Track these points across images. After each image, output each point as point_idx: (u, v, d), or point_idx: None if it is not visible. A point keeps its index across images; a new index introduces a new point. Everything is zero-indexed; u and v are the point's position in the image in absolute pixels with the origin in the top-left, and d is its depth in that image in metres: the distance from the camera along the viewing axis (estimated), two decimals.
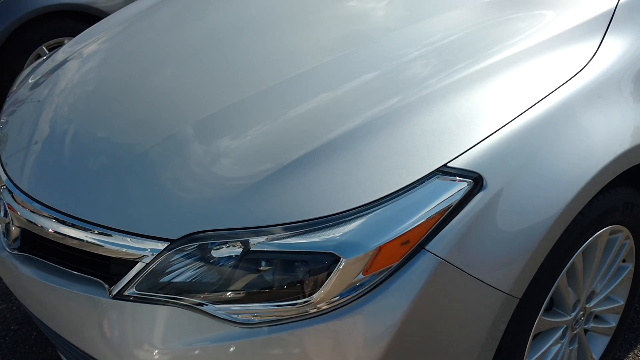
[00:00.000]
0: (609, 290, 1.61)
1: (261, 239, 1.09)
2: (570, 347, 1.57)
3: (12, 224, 1.43)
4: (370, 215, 1.08)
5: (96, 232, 1.21)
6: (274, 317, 1.10)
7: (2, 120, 1.76)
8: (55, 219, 1.27)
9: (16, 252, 1.43)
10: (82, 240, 1.22)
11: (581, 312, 1.53)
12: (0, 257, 1.48)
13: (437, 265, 1.09)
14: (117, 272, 1.23)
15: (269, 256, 1.09)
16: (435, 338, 1.15)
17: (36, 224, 1.32)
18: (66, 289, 1.27)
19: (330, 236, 1.06)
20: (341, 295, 1.08)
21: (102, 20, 2.39)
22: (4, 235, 1.49)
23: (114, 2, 3.49)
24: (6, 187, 1.46)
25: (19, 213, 1.37)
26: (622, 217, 1.45)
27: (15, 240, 1.44)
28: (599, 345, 1.71)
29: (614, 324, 1.70)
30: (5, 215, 1.46)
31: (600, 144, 1.25)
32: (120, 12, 2.36)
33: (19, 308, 2.29)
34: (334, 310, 1.08)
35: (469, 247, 1.11)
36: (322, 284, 1.07)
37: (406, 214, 1.08)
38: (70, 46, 2.14)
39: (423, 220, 1.09)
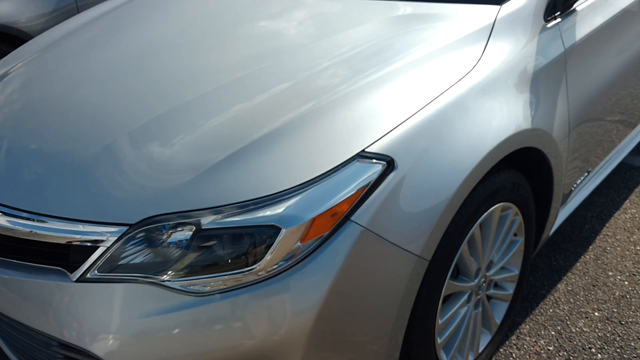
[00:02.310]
0: (504, 260, 1.89)
1: (211, 218, 1.27)
2: (476, 311, 1.83)
3: None
4: (304, 193, 1.29)
5: (60, 223, 1.33)
6: (224, 286, 1.27)
7: None
8: (17, 216, 1.39)
9: None
10: (48, 233, 1.34)
11: (482, 280, 1.80)
12: None
13: (360, 233, 1.31)
14: (76, 260, 1.36)
15: (219, 232, 1.27)
16: (359, 299, 1.35)
17: None
18: (28, 279, 1.38)
19: (271, 211, 1.26)
20: (279, 265, 1.27)
21: (27, 43, 2.48)
22: None
23: (34, 22, 3.53)
24: None
25: None
26: (511, 196, 1.74)
27: None
28: (499, 311, 1.98)
29: (511, 291, 1.98)
30: None
31: (486, 132, 1.53)
32: (45, 35, 2.46)
33: None
34: (273, 277, 1.27)
35: (385, 217, 1.34)
36: (265, 254, 1.25)
37: (334, 191, 1.30)
38: None
39: (348, 195, 1.31)
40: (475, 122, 1.51)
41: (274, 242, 1.25)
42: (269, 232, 1.25)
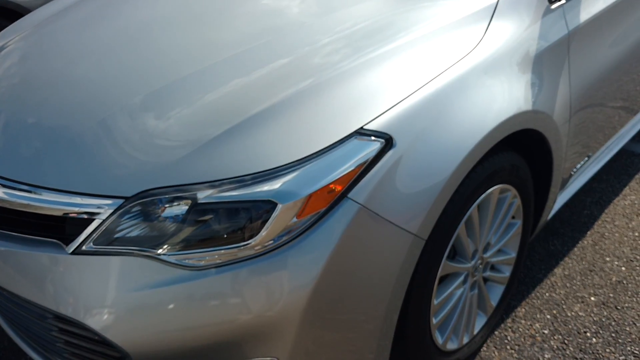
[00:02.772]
0: (501, 243, 1.89)
1: (207, 192, 1.26)
2: (471, 293, 1.83)
3: None
4: (301, 169, 1.28)
5: (56, 195, 1.33)
6: (219, 261, 1.27)
7: None
8: (15, 188, 1.39)
9: None
10: (44, 205, 1.34)
11: (479, 261, 1.80)
12: None
13: (357, 210, 1.31)
14: (71, 233, 1.36)
15: (215, 207, 1.26)
16: (354, 277, 1.35)
17: None
18: (24, 251, 1.38)
19: (268, 187, 1.25)
20: (274, 240, 1.26)
21: (24, 17, 2.46)
22: None
23: None
24: None
25: None
26: (510, 177, 1.73)
27: None
28: (495, 293, 1.98)
29: (507, 274, 1.99)
30: None
31: (487, 112, 1.52)
32: (43, 9, 2.44)
33: None
34: (269, 252, 1.26)
35: (382, 196, 1.34)
36: (261, 229, 1.25)
37: (331, 168, 1.29)
38: None
39: (345, 172, 1.30)
40: (475, 102, 1.49)
41: (270, 218, 1.25)
42: (265, 207, 1.25)
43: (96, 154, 1.38)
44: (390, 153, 1.35)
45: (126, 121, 1.44)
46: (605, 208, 2.73)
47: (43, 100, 1.62)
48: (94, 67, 1.71)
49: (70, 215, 1.32)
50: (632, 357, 1.93)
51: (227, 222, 1.27)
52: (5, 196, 1.40)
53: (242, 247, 1.26)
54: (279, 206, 1.24)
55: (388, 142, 1.35)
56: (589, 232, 2.56)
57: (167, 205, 1.28)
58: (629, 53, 2.24)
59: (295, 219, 1.26)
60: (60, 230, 1.38)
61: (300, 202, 1.25)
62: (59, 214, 1.33)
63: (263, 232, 1.25)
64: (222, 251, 1.26)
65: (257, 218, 1.25)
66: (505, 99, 1.58)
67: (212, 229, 1.27)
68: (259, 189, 1.25)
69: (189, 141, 1.35)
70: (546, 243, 2.50)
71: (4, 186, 1.42)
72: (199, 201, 1.26)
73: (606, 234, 2.55)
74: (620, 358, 1.93)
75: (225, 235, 1.27)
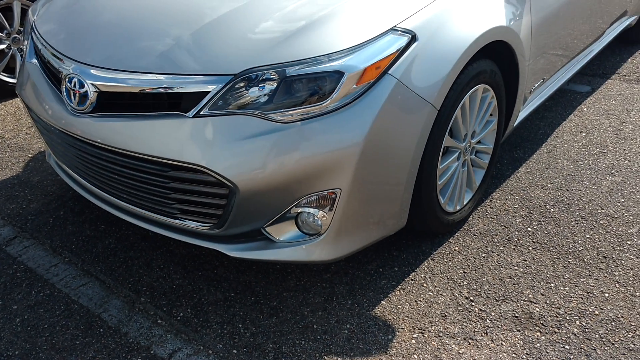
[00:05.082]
0: (483, 134, 2.51)
1: (294, 67, 1.82)
2: (463, 169, 2.45)
3: (90, 93, 2.01)
4: (357, 52, 1.85)
5: (180, 79, 1.86)
6: (304, 116, 1.82)
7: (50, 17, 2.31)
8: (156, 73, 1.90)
9: (88, 114, 2.02)
10: (177, 86, 1.86)
11: (468, 144, 2.41)
12: (71, 120, 2.06)
13: (395, 84, 1.89)
14: (187, 107, 1.88)
15: (300, 77, 1.82)
16: (390, 136, 1.92)
17: (121, 85, 1.94)
18: (153, 120, 1.90)
19: (338, 62, 1.81)
20: (341, 101, 1.83)
21: None
22: (75, 104, 2.06)
23: None
24: (79, 65, 2.04)
25: (102, 83, 1.97)
26: (490, 80, 2.34)
27: (90, 105, 2.03)
28: (478, 175, 2.61)
29: (486, 161, 2.61)
30: (82, 87, 2.03)
31: (480, 20, 2.12)
32: None
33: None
34: (337, 110, 1.83)
35: (410, 75, 1.92)
36: (332, 93, 1.81)
37: (376, 52, 1.87)
38: None
39: (386, 56, 1.87)
40: (470, 14, 2.10)
41: (339, 84, 1.81)
42: (335, 77, 1.81)
43: (210, 44, 1.91)
44: (414, 45, 1.94)
45: (231, 21, 1.97)
46: (556, 128, 3.40)
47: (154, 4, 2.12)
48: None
49: (194, 91, 1.84)
50: (580, 218, 2.59)
51: (307, 88, 1.82)
52: (138, 83, 1.91)
53: (319, 105, 1.81)
54: (346, 74, 1.81)
55: (413, 37, 1.94)
56: (544, 145, 3.22)
57: (265, 78, 1.83)
58: None
59: (354, 86, 1.83)
60: (177, 106, 1.90)
61: (359, 72, 1.82)
62: (189, 90, 1.84)
63: (334, 95, 1.81)
64: (305, 109, 1.82)
65: (330, 84, 1.81)
66: (489, 14, 2.19)
67: (297, 94, 1.82)
68: (331, 64, 1.81)
69: (279, 32, 1.89)
70: (511, 153, 3.14)
71: (146, 73, 1.91)
72: (288, 75, 1.82)
73: (557, 145, 3.22)
74: (571, 219, 2.59)
75: (307, 98, 1.82)
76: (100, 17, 2.23)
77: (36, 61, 2.40)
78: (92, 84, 2.00)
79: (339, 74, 1.81)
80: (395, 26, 1.93)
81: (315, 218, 1.95)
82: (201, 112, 1.85)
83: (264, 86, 1.83)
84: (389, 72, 1.88)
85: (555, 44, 2.89)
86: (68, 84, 2.07)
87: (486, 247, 2.42)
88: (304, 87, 1.82)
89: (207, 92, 1.85)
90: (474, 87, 2.25)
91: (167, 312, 2.12)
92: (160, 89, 1.89)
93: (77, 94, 2.06)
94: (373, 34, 1.90)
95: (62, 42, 2.21)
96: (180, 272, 2.32)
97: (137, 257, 2.41)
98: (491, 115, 2.53)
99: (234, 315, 2.11)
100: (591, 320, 2.05)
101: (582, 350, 1.93)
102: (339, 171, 1.86)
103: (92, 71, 2.01)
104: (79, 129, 2.08)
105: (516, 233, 2.50)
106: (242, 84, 1.83)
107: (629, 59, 4.45)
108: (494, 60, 2.37)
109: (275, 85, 1.82)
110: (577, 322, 2.05)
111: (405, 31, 1.94)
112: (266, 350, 1.95)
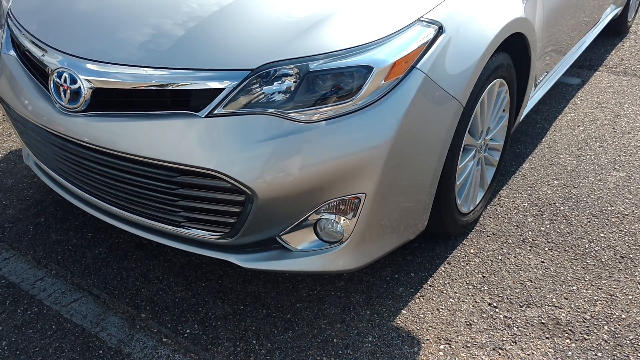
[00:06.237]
0: (495, 131, 2.40)
1: (318, 62, 1.66)
2: (477, 167, 2.33)
3: (83, 89, 1.80)
4: (385, 44, 1.70)
5: (190, 74, 1.67)
6: (328, 115, 1.66)
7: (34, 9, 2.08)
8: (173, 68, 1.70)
9: (81, 113, 1.81)
10: (189, 81, 1.67)
11: (483, 141, 2.30)
12: (60, 119, 1.84)
13: (423, 79, 1.75)
14: (199, 104, 1.70)
15: (324, 73, 1.66)
16: (417, 135, 1.79)
17: (121, 81, 1.73)
18: (162, 120, 1.70)
19: (365, 55, 1.66)
20: (370, 98, 1.67)
21: None
22: (65, 102, 1.85)
23: None
24: (69, 58, 1.82)
25: (98, 78, 1.76)
26: (506, 73, 2.23)
27: (83, 102, 1.82)
28: (489, 173, 2.50)
29: (497, 158, 2.51)
30: (74, 82, 1.82)
31: (499, 14, 2.00)
32: None
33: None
34: (364, 108, 1.68)
35: (438, 69, 1.78)
36: (360, 89, 1.66)
37: (405, 45, 1.72)
38: None
39: (414, 48, 1.73)
40: (494, 4, 1.97)
41: (367, 79, 1.66)
42: (363, 72, 1.66)
43: (226, 36, 1.72)
44: (442, 37, 1.80)
45: (247, 9, 1.78)
46: (553, 122, 3.34)
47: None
48: None
49: (207, 87, 1.66)
50: (591, 216, 2.51)
51: (332, 85, 1.66)
52: (140, 79, 1.71)
53: (346, 103, 1.66)
54: (375, 69, 1.66)
55: (440, 28, 1.80)
56: (543, 139, 3.15)
57: (285, 73, 1.66)
58: None
59: (383, 82, 1.68)
60: (186, 104, 1.71)
61: (388, 67, 1.67)
62: (201, 87, 1.66)
63: (362, 92, 1.66)
64: (329, 107, 1.66)
65: (358, 80, 1.66)
66: (509, 6, 2.07)
67: (321, 92, 1.66)
68: (358, 58, 1.66)
69: (299, 24, 1.72)
70: (512, 148, 3.06)
71: (157, 67, 1.71)
72: (311, 69, 1.65)
73: (557, 139, 3.15)
74: (583, 217, 2.51)
75: (332, 96, 1.66)
76: (92, 1, 2.01)
77: (14, 53, 2.16)
78: (86, 80, 1.79)
79: (367, 69, 1.66)
80: (422, 17, 1.79)
81: (337, 225, 1.80)
82: (215, 111, 1.68)
83: (285, 82, 1.67)
84: (417, 66, 1.74)
85: (562, 35, 2.81)
86: (57, 79, 1.86)
87: (502, 248, 2.32)
88: (328, 83, 1.67)
89: (222, 89, 1.67)
90: (492, 82, 2.14)
91: (172, 329, 1.94)
92: (167, 86, 1.70)
93: (67, 91, 1.85)
94: (400, 25, 1.75)
95: (47, 31, 1.99)
96: (181, 284, 2.13)
97: (132, 268, 2.21)
98: (504, 110, 2.42)
99: (245, 330, 1.94)
100: (619, 325, 1.97)
101: (615, 357, 1.85)
102: (364, 174, 1.72)
103: (87, 65, 1.80)
104: (69, 129, 1.87)
105: (530, 233, 2.41)
106: (260, 81, 1.66)
107: (613, 51, 4.44)
108: (509, 54, 2.26)
109: (297, 81, 1.66)
110: (606, 327, 1.96)
111: (432, 22, 1.80)
112: None
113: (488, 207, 2.57)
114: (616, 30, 4.63)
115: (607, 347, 1.89)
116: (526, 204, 2.59)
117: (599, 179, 2.78)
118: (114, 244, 2.34)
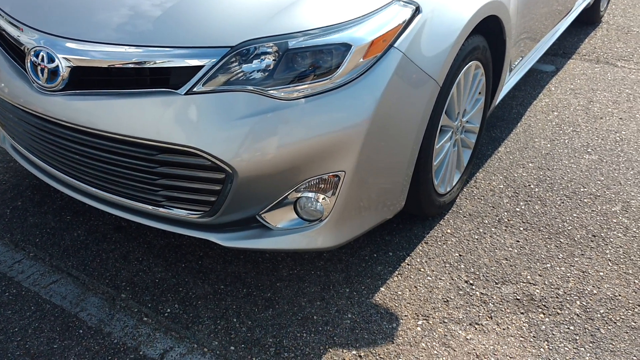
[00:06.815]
0: (471, 113, 2.44)
1: (297, 39, 1.67)
2: (454, 149, 2.37)
3: (61, 68, 1.79)
4: (363, 23, 1.72)
5: (169, 52, 1.67)
6: (307, 93, 1.68)
7: None
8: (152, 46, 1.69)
9: (59, 92, 1.80)
10: (167, 59, 1.66)
11: (459, 123, 2.33)
12: (37, 98, 1.83)
13: (400, 58, 1.77)
14: (178, 82, 1.70)
15: (303, 50, 1.67)
16: (395, 113, 1.81)
17: (100, 59, 1.72)
18: (141, 98, 1.70)
19: (344, 33, 1.68)
20: (348, 75, 1.69)
21: None
22: (43, 81, 1.83)
23: None
24: (47, 37, 1.81)
25: (77, 57, 1.75)
26: (481, 56, 2.27)
27: (61, 81, 1.81)
28: (466, 155, 2.54)
29: (473, 140, 2.55)
30: (52, 61, 1.81)
31: (472, 0, 2.03)
32: None
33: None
34: (343, 86, 1.70)
35: (415, 48, 1.81)
36: (339, 66, 1.68)
37: (382, 23, 1.74)
38: None
39: (391, 28, 1.75)
40: None
41: (345, 57, 1.68)
42: (342, 50, 1.67)
43: (204, 14, 1.72)
44: (418, 17, 1.82)
45: None
46: (528, 108, 3.39)
47: None
48: None
49: (186, 65, 1.66)
50: (565, 197, 2.57)
51: (312, 62, 1.68)
52: (119, 56, 1.71)
53: (324, 81, 1.67)
54: (353, 47, 1.68)
55: (417, 8, 1.82)
56: (519, 124, 3.20)
57: (264, 51, 1.67)
58: None
59: (362, 59, 1.70)
60: (166, 82, 1.71)
61: (366, 45, 1.69)
62: (180, 64, 1.66)
63: (340, 70, 1.68)
64: (308, 85, 1.68)
65: (336, 57, 1.67)
66: None
67: (300, 69, 1.68)
68: (336, 35, 1.68)
69: (278, 2, 1.73)
70: (488, 132, 3.11)
71: (142, 46, 1.70)
72: (290, 47, 1.67)
73: (532, 124, 3.20)
74: (557, 198, 2.57)
75: (311, 74, 1.68)
76: None
77: None
78: (64, 58, 1.78)
79: (345, 47, 1.68)
80: None
81: (316, 203, 1.82)
82: (194, 89, 1.68)
83: (264, 60, 1.68)
84: (395, 45, 1.77)
85: (535, 20, 2.86)
86: (34, 58, 1.85)
87: (478, 228, 2.37)
88: (307, 61, 1.68)
89: (201, 67, 1.68)
90: (468, 63, 2.17)
91: (152, 309, 1.95)
92: (146, 64, 1.70)
93: (45, 70, 1.83)
94: (378, 4, 1.77)
95: (24, 11, 1.97)
96: (161, 265, 2.14)
97: (111, 250, 2.21)
98: (480, 93, 2.46)
99: (226, 309, 1.96)
100: (591, 300, 2.02)
101: (587, 330, 1.90)
102: (344, 152, 1.74)
103: (66, 44, 1.79)
104: (47, 109, 1.86)
105: (505, 214, 2.46)
106: (239, 58, 1.67)
107: (586, 40, 4.52)
108: (485, 37, 2.29)
109: (276, 59, 1.67)
110: (578, 302, 2.02)
111: (409, 2, 1.82)
112: (266, 345, 1.82)
113: (464, 189, 2.61)
114: (589, 20, 4.71)
115: (579, 321, 1.94)
116: (502, 186, 2.64)
117: (572, 162, 2.84)
118: (93, 227, 2.33)
